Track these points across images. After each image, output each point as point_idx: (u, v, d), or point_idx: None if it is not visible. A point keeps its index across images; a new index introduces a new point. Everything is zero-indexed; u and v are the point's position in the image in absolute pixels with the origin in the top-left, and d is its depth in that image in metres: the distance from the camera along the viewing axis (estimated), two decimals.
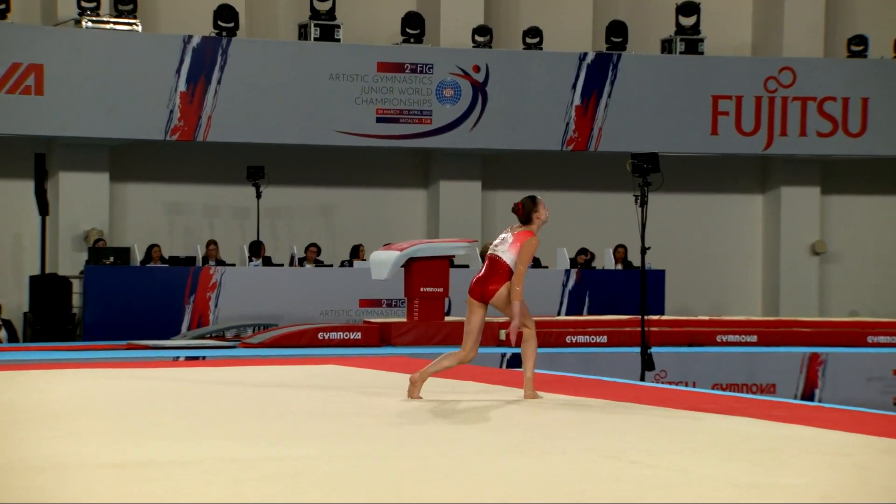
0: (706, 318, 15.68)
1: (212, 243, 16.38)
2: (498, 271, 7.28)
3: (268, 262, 16.43)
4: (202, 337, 14.44)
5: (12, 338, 15.69)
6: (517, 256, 7.32)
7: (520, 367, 10.29)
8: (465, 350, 7.28)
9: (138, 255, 15.77)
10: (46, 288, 15.56)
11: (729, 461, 5.16)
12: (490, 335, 13.71)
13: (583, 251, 17.17)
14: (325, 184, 18.89)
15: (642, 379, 12.25)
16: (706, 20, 19.20)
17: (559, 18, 19.63)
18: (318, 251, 16.77)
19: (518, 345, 7.45)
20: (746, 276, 20.26)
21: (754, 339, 14.25)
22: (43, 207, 16.05)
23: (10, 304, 16.79)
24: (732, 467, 5.00)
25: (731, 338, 14.22)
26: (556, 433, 5.98)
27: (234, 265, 16.07)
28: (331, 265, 16.80)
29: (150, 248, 16.17)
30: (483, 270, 7.38)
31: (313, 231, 18.49)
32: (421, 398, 7.25)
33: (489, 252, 7.46)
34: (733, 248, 20.19)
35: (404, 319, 13.98)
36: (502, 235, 7.47)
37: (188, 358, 12.03)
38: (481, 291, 7.29)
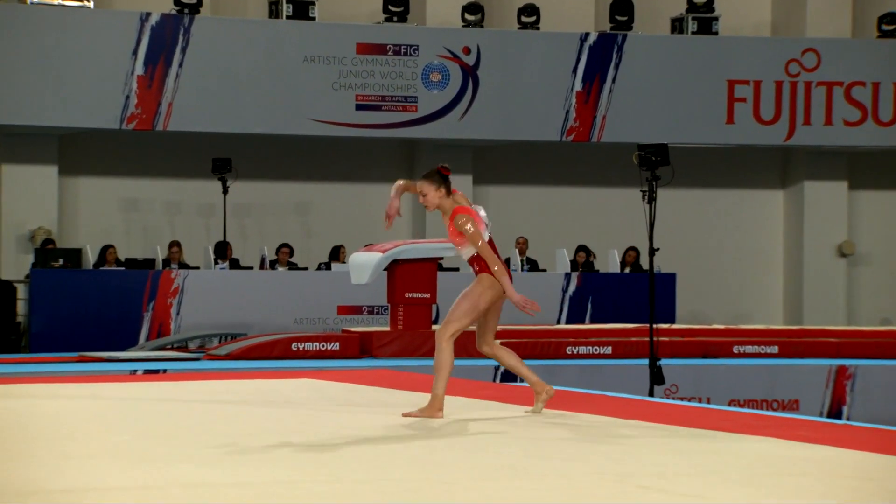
0: (721, 326, 15.72)
1: (174, 244, 16.37)
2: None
3: (235, 264, 16.42)
4: (162, 348, 14.43)
5: None
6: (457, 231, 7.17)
7: (514, 380, 10.29)
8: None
9: (91, 257, 15.74)
10: None
11: (746, 486, 5.17)
12: None
13: (582, 249, 17.17)
14: (299, 178, 18.89)
15: (651, 394, 12.27)
16: None
17: None
18: (291, 252, 16.78)
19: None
20: (766, 280, 20.31)
21: (775, 350, 14.29)
22: None
23: None
24: (750, 493, 5.02)
25: (750, 349, 14.26)
26: (555, 454, 5.99)
27: (198, 268, 16.06)
28: (306, 268, 16.81)
29: (105, 249, 16.14)
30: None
31: (286, 230, 18.49)
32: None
33: (489, 235, 7.22)
34: (751, 249, 20.25)
35: (387, 328, 13.99)
36: (481, 210, 7.24)
37: (147, 371, 12.02)
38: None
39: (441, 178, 7.23)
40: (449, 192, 7.26)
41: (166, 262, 16.03)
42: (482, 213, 7.27)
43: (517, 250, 17.13)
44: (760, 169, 20.30)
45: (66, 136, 17.73)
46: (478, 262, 7.22)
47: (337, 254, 16.87)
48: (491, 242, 7.22)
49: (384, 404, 7.79)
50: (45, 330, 14.91)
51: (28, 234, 17.28)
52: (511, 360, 7.46)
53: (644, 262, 16.73)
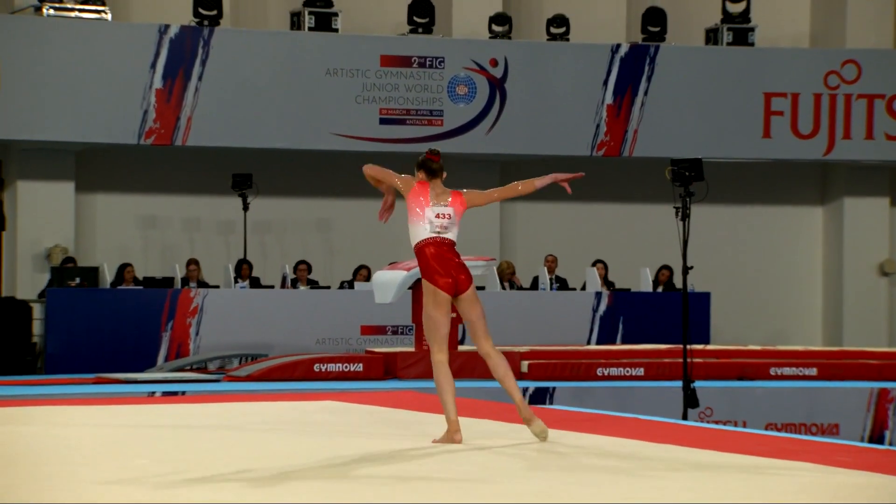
0: (758, 347, 15.64)
1: (192, 262, 16.43)
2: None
3: (256, 283, 16.47)
4: (181, 369, 14.47)
5: None
6: (478, 201, 7.29)
7: (542, 403, 10.27)
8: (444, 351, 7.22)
9: (108, 276, 15.81)
10: (2, 313, 15.61)
11: None
12: (511, 367, 13.68)
13: (600, 262, 17.17)
14: (321, 194, 18.94)
15: (685, 417, 12.23)
16: (757, 7, 19.23)
17: (588, 5, 19.69)
18: (309, 269, 16.80)
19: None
20: (804, 299, 20.22)
21: (814, 372, 14.22)
22: None
23: None
24: None
25: (787, 371, 14.20)
26: (585, 480, 5.98)
27: (217, 287, 16.11)
28: (328, 287, 16.83)
29: (122, 267, 16.22)
30: (437, 259, 7.16)
31: (308, 248, 18.54)
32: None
33: (436, 236, 7.20)
34: (789, 267, 20.16)
35: (412, 349, 13.99)
36: (437, 211, 7.23)
37: (165, 393, 12.06)
38: (453, 283, 7.15)
39: (426, 168, 7.28)
40: (431, 177, 7.33)
41: (185, 281, 16.10)
42: (437, 206, 7.33)
43: (546, 268, 17.11)
44: (798, 185, 20.23)
45: (83, 152, 17.84)
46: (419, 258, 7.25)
47: (358, 274, 16.87)
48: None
49: (408, 428, 7.80)
50: (62, 351, 14.98)
51: (44, 252, 17.39)
52: (499, 371, 7.43)
53: (678, 281, 16.69)
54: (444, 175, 7.45)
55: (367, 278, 16.47)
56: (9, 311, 15.66)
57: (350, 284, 16.66)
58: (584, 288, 16.94)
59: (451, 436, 7.14)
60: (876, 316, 19.82)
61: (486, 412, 8.80)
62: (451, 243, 7.29)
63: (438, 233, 7.22)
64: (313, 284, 16.66)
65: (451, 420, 7.16)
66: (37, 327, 15.82)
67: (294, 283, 16.51)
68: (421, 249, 7.22)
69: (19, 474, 6.00)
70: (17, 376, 14.53)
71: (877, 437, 13.28)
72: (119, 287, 15.86)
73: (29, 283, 17.15)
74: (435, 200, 7.25)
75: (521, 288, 17.10)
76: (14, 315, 15.62)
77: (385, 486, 5.78)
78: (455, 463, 6.54)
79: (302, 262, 16.89)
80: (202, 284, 16.17)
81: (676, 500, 5.40)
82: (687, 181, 12.49)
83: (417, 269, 13.56)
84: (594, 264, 16.97)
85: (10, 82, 16.65)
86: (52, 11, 17.09)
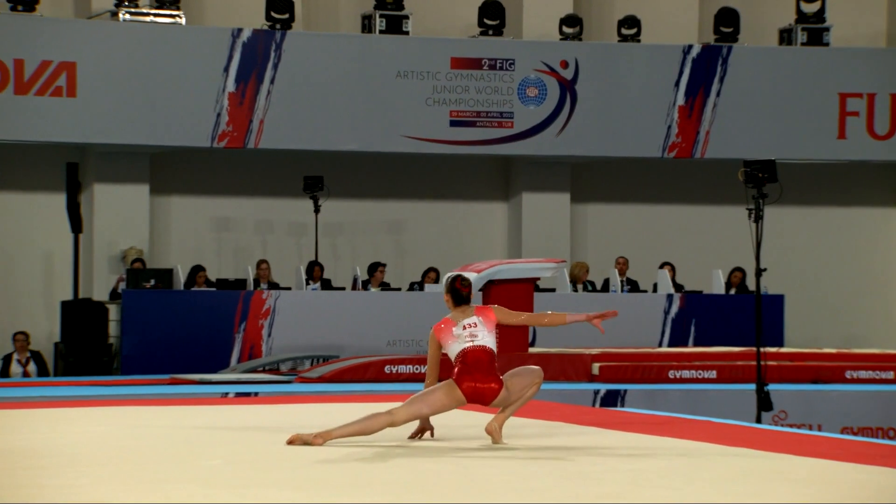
0: (833, 350, 15.47)
1: (263, 262, 16.56)
2: (493, 364, 7.23)
3: (327, 285, 16.55)
4: (254, 370, 14.58)
5: (42, 371, 15.98)
6: (507, 319, 7.31)
7: (614, 405, 10.23)
8: (401, 416, 7.20)
9: (182, 278, 15.98)
10: (79, 315, 15.83)
11: None
12: (582, 370, 13.67)
13: (738, 269, 17.06)
14: (391, 196, 19.01)
15: (758, 421, 12.12)
16: (832, 6, 19.01)
17: (660, 6, 19.58)
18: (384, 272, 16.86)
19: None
20: (881, 302, 19.95)
21: (891, 375, 14.04)
22: (76, 224, 16.34)
23: (39, 333, 17.10)
24: None
25: (863, 374, 14.02)
26: (658, 483, 5.94)
27: (289, 289, 16.22)
28: (398, 289, 16.88)
29: (195, 271, 16.37)
30: (470, 365, 7.16)
31: (378, 250, 18.60)
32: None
33: (471, 345, 7.20)
34: (865, 269, 19.90)
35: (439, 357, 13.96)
36: (463, 323, 7.26)
37: (238, 394, 12.16)
38: (478, 390, 7.15)
39: (455, 295, 7.34)
40: (458, 304, 7.34)
41: (256, 282, 16.22)
42: (461, 321, 7.24)
43: (617, 270, 17.04)
44: (874, 186, 19.97)
45: (158, 155, 18.04)
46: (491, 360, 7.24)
47: (426, 277, 16.89)
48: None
49: (476, 429, 7.79)
50: (137, 351, 15.15)
51: (119, 254, 17.60)
52: (528, 392, 7.35)
53: (750, 283, 16.54)
54: (471, 300, 7.41)
55: (436, 281, 16.50)
56: (86, 312, 15.87)
57: (420, 286, 16.70)
58: (654, 290, 16.84)
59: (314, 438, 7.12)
60: None
61: (559, 415, 8.78)
62: (485, 349, 7.22)
63: (470, 341, 7.21)
64: (385, 286, 16.71)
65: (333, 433, 7.15)
66: (113, 328, 16.03)
67: (365, 285, 16.56)
68: (458, 360, 7.19)
69: (94, 473, 6.08)
70: (94, 377, 14.73)
71: None
72: (192, 289, 16.01)
73: (105, 285, 17.37)
74: (458, 319, 7.27)
75: (592, 289, 17.03)
76: (91, 316, 15.83)
77: (458, 480, 5.79)
78: (530, 460, 6.54)
79: (381, 263, 16.93)
80: (273, 285, 16.28)
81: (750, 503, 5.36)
82: (760, 183, 12.38)
83: (489, 270, 13.59)
84: (662, 266, 16.87)
85: (87, 86, 16.88)
86: (127, 16, 17.31)
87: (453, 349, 7.26)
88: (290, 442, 7.14)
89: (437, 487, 5.77)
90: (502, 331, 13.59)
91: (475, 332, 7.29)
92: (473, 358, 7.20)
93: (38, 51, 16.77)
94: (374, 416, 7.24)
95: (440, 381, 7.31)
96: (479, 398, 7.23)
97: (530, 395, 7.35)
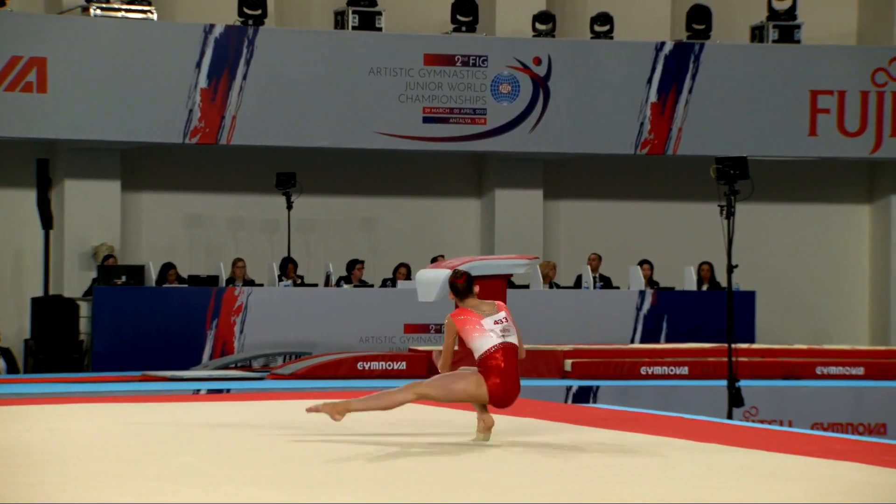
0: (804, 346, 15.54)
1: (239, 261, 16.51)
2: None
3: (300, 281, 16.52)
4: (226, 367, 14.55)
5: (12, 368, 15.89)
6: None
7: (586, 401, 10.22)
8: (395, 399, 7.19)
9: (153, 274, 15.92)
10: (50, 311, 15.75)
11: None
12: (554, 366, 13.69)
13: (705, 263, 17.04)
14: (364, 193, 18.98)
15: (730, 417, 12.16)
16: (804, 4, 19.09)
17: (632, 3, 19.61)
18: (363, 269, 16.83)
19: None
20: (851, 298, 20.05)
21: (860, 371, 14.10)
22: (46, 220, 16.26)
23: (9, 329, 17.01)
24: None
25: (834, 370, 14.08)
26: (629, 479, 5.96)
27: (262, 285, 16.18)
28: (371, 285, 16.86)
29: (165, 269, 16.30)
30: (505, 364, 7.10)
31: (351, 246, 18.58)
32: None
33: (504, 341, 7.13)
34: (835, 265, 20.01)
35: (455, 348, 13.98)
36: (495, 317, 7.20)
37: (210, 391, 12.13)
38: (509, 392, 7.10)
39: (453, 290, 7.33)
40: (462, 297, 7.24)
41: (230, 280, 16.17)
42: (491, 315, 7.16)
43: (589, 267, 17.07)
44: (845, 183, 20.07)
45: (129, 151, 17.96)
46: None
47: (397, 273, 16.86)
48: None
49: (454, 426, 7.80)
50: (108, 348, 15.09)
51: (90, 250, 17.51)
52: None
53: (721, 278, 16.59)
54: (477, 289, 7.35)
55: (407, 276, 16.50)
56: (56, 309, 15.79)
57: (392, 283, 16.69)
58: (628, 287, 16.88)
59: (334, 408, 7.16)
60: None
61: (528, 411, 8.80)
62: (515, 348, 7.20)
63: (504, 337, 7.15)
64: (363, 284, 16.69)
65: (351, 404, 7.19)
66: (84, 325, 15.95)
67: (340, 282, 16.52)
68: (491, 356, 7.09)
69: (65, 471, 6.06)
70: (65, 374, 14.66)
71: None
72: (164, 285, 15.95)
73: (76, 282, 17.28)
74: (485, 312, 7.20)
75: (558, 289, 17.02)
76: (61, 313, 15.75)
77: (431, 480, 5.79)
78: (503, 459, 6.55)
79: (359, 261, 16.86)
80: (247, 283, 16.24)
81: (724, 500, 5.38)
82: (732, 179, 12.42)
83: (462, 266, 13.56)
84: (641, 264, 16.90)
85: (57, 82, 16.78)
86: (98, 11, 17.21)
87: (482, 343, 7.13)
88: (314, 410, 7.17)
89: (410, 484, 5.76)
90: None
91: (507, 327, 7.22)
92: (509, 356, 7.11)
93: (7, 46, 16.66)
94: (397, 391, 7.16)
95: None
96: (502, 400, 7.12)
97: None
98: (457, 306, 7.41)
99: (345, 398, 7.38)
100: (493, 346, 7.10)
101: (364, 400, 7.18)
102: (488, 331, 7.13)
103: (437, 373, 7.46)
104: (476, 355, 7.15)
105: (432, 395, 7.16)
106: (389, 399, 7.15)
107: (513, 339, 7.17)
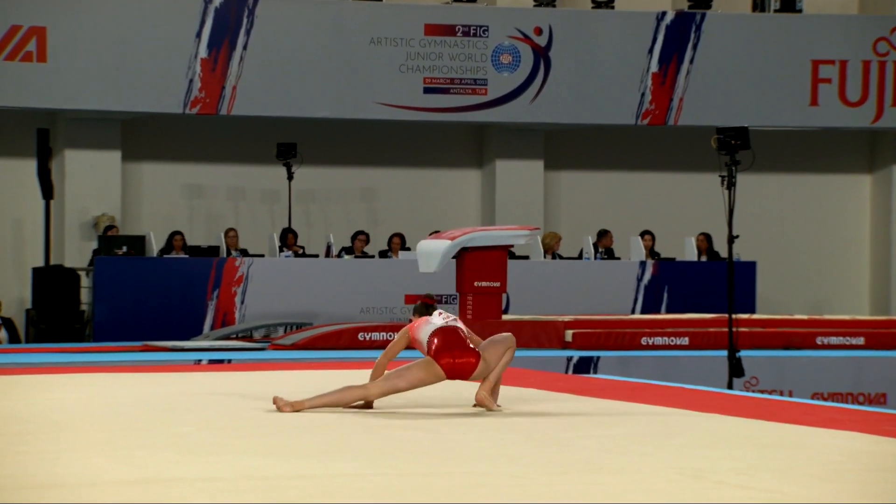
0: (804, 317, 15.55)
1: (231, 231, 16.50)
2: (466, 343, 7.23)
3: (300, 252, 16.52)
4: (227, 337, 14.56)
5: (13, 338, 15.91)
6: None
7: (587, 372, 10.28)
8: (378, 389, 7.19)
9: (154, 244, 15.92)
10: (51, 282, 15.76)
11: (831, 482, 5.12)
12: (555, 337, 13.70)
13: (702, 234, 16.97)
14: (365, 163, 18.96)
15: (730, 387, 12.19)
16: None
17: None
18: (367, 240, 16.83)
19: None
20: (852, 268, 20.06)
21: (861, 341, 14.12)
22: (47, 190, 16.25)
23: (10, 299, 17.03)
24: (835, 489, 4.97)
25: (834, 340, 14.10)
26: (629, 449, 5.96)
27: (262, 256, 16.18)
28: (372, 256, 16.86)
29: (172, 235, 16.30)
30: (446, 341, 7.14)
31: (352, 217, 18.57)
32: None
33: (446, 325, 7.19)
34: (836, 236, 20.00)
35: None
36: (439, 311, 7.30)
37: (212, 361, 12.14)
38: (457, 366, 7.13)
39: (418, 309, 7.36)
40: (422, 314, 7.33)
41: (227, 250, 16.17)
42: (437, 319, 7.21)
43: (590, 238, 17.04)
44: (846, 153, 20.04)
45: (129, 121, 17.93)
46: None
47: (392, 242, 16.84)
48: (446, 332, 7.12)
49: (453, 396, 7.81)
50: (109, 318, 15.10)
51: (91, 220, 17.51)
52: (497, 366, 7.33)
53: (720, 249, 16.59)
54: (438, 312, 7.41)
55: (402, 246, 16.50)
56: (57, 279, 15.80)
57: (388, 254, 16.68)
58: (629, 258, 16.87)
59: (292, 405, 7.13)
60: None
61: (532, 382, 8.80)
62: (458, 329, 7.20)
63: (445, 322, 7.19)
64: (365, 255, 16.68)
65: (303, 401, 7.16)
66: (85, 295, 15.96)
67: (341, 253, 16.52)
68: (430, 340, 7.13)
69: (66, 440, 6.06)
70: (66, 344, 14.68)
71: None
72: (166, 256, 15.96)
73: (77, 252, 17.29)
74: (434, 315, 7.25)
75: (561, 259, 17.02)
76: (62, 283, 15.76)
77: (430, 449, 5.80)
78: (504, 428, 6.56)
79: (361, 232, 16.86)
80: (243, 253, 16.23)
81: (722, 469, 5.38)
82: (733, 150, 12.41)
83: (463, 237, 13.58)
84: (642, 235, 16.88)
85: (57, 52, 16.74)
86: None
87: (425, 331, 7.22)
88: (274, 401, 7.15)
89: (411, 454, 5.77)
90: (475, 299, 13.64)
91: (450, 317, 7.31)
92: (448, 334, 7.19)
93: (7, 15, 16.61)
94: (348, 388, 7.23)
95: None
96: (458, 373, 7.20)
97: (507, 360, 7.35)
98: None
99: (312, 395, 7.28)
100: (435, 330, 7.16)
101: (317, 397, 7.17)
102: (432, 322, 7.21)
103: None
104: (423, 347, 7.19)
105: (389, 389, 7.17)
106: (342, 396, 7.16)
107: (455, 324, 7.20)
